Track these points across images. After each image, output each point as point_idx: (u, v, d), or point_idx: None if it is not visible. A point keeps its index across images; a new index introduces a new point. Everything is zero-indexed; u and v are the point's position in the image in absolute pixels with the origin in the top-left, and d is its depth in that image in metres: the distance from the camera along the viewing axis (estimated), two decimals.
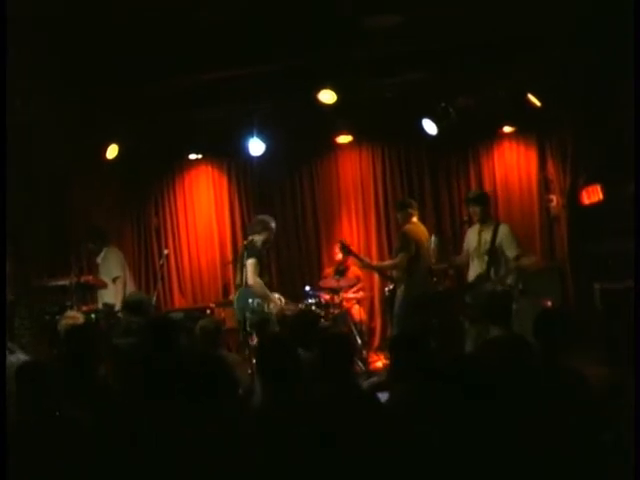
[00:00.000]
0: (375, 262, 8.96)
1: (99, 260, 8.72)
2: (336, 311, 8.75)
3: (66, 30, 6.88)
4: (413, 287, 7.62)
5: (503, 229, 7.29)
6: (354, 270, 9.35)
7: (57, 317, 7.35)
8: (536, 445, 2.82)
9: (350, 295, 9.24)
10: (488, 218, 7.45)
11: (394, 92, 8.59)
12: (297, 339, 5.03)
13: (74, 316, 6.46)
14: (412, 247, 7.65)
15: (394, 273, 7.95)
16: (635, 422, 2.63)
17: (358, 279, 9.39)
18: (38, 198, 8.38)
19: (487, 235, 7.26)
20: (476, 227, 7.43)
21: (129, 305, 6.74)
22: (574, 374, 3.61)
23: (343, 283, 9.01)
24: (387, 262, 8.12)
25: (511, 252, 7.15)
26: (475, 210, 7.41)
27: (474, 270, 7.35)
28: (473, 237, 7.43)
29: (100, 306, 8.31)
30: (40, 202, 8.39)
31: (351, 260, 9.04)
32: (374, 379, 6.15)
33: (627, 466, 2.61)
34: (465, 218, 7.77)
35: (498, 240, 7.19)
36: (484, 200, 7.59)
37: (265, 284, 7.62)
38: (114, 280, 8.51)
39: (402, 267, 7.66)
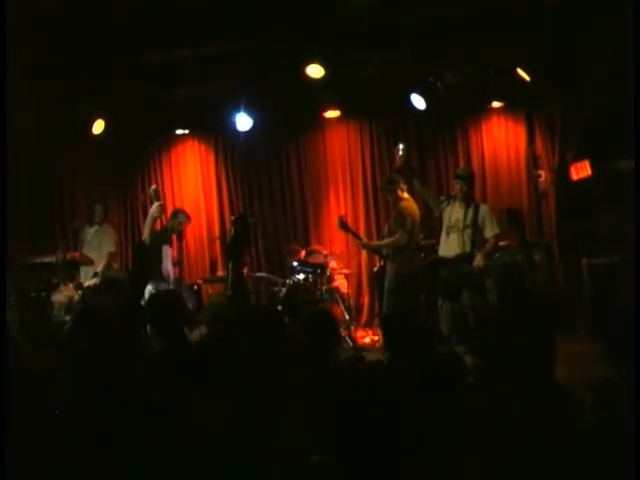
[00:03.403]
0: (373, 241, 8.75)
1: (88, 236, 8.61)
2: (324, 287, 8.75)
3: (53, 7, 6.79)
4: (404, 263, 7.60)
5: (484, 208, 7.40)
6: None
7: (43, 294, 7.30)
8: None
9: (339, 271, 9.22)
10: (470, 197, 7.47)
11: (382, 67, 8.52)
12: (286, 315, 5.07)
13: (69, 291, 6.40)
14: (409, 225, 7.63)
15: (384, 250, 7.93)
16: (635, 419, 2.62)
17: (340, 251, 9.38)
18: (20, 176, 8.27)
19: (469, 213, 7.27)
20: (456, 204, 7.42)
21: (102, 284, 6.65)
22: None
23: (330, 257, 9.00)
24: (385, 241, 7.91)
25: (490, 231, 7.23)
26: (461, 187, 7.39)
27: (450, 245, 7.35)
28: (453, 212, 7.41)
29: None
30: (22, 180, 8.27)
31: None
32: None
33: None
34: (453, 194, 7.73)
35: (480, 219, 7.22)
36: (472, 178, 7.65)
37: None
38: (111, 255, 8.48)
39: (400, 245, 7.63)
